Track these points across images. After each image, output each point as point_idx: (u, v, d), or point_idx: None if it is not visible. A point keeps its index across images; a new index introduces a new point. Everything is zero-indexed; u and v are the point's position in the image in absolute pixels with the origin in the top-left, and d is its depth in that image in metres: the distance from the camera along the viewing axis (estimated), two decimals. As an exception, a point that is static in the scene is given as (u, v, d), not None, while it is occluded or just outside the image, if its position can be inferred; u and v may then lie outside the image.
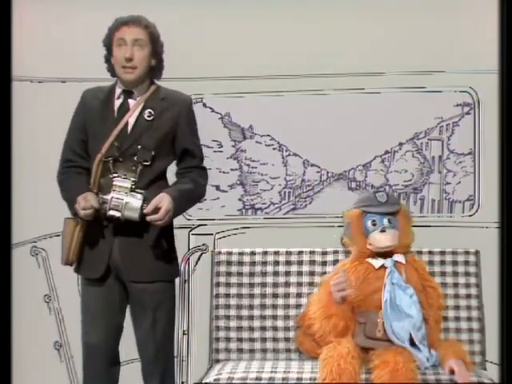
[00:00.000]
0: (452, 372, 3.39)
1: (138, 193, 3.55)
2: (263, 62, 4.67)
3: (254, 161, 4.62)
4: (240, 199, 4.65)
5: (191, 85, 4.62)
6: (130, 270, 3.60)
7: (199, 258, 4.69)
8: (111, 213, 3.54)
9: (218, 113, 4.65)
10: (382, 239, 3.54)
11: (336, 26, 4.63)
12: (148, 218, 3.51)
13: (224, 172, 4.62)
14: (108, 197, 3.54)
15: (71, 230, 3.61)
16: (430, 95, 4.63)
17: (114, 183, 3.56)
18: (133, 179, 3.56)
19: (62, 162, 3.74)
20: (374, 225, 3.55)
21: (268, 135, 4.62)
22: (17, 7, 4.31)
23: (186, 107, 3.71)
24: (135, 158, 3.59)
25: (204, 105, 4.64)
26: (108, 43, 3.67)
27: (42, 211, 4.67)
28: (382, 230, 3.53)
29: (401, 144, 4.60)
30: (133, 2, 4.42)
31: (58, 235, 4.46)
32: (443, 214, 4.64)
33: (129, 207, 3.53)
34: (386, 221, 3.54)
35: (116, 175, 3.57)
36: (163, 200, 3.52)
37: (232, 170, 4.61)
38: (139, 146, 3.59)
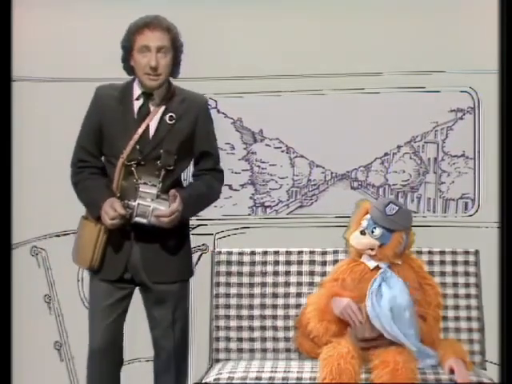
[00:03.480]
0: (452, 371, 3.39)
1: (163, 199, 3.53)
2: (263, 62, 4.69)
3: (263, 162, 4.81)
4: (251, 197, 4.80)
5: (192, 85, 4.63)
6: (151, 271, 3.60)
7: (199, 258, 4.70)
8: (137, 219, 3.50)
9: (230, 118, 4.78)
10: (353, 237, 3.56)
11: (342, 26, 4.66)
12: (154, 213, 3.50)
13: (236, 172, 4.78)
14: (134, 203, 3.49)
15: (94, 234, 3.56)
16: (429, 96, 4.66)
17: (140, 189, 3.51)
18: (159, 185, 3.54)
19: (75, 162, 3.68)
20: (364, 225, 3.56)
21: (277, 138, 4.78)
22: (17, 8, 4.32)
23: (204, 108, 3.72)
24: (158, 163, 3.57)
25: (218, 110, 4.77)
26: (128, 46, 3.57)
27: (42, 211, 4.67)
28: (361, 232, 3.54)
29: (399, 147, 4.74)
30: (133, 3, 4.43)
31: (58, 235, 4.50)
32: (443, 214, 4.67)
33: (156, 214, 3.49)
34: (372, 227, 3.54)
35: (142, 182, 3.53)
36: (175, 200, 3.51)
37: (243, 170, 4.80)
38: (161, 151, 3.57)
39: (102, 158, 3.68)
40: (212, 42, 4.68)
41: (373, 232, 3.53)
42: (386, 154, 4.72)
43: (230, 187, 4.74)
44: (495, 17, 4.05)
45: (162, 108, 3.61)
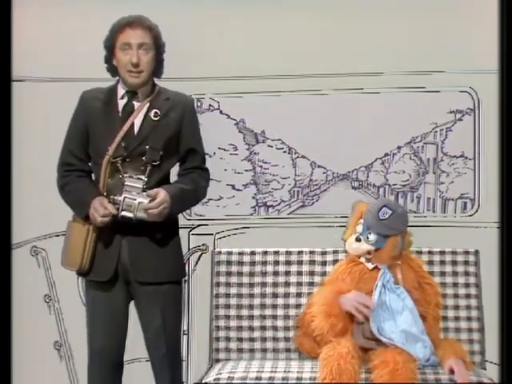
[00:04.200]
0: (451, 371, 3.39)
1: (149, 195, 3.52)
2: (263, 62, 4.69)
3: (266, 162, 4.84)
4: (253, 197, 4.83)
5: (192, 85, 4.64)
6: (140, 271, 3.58)
7: (199, 258, 4.70)
8: (123, 213, 3.49)
9: (233, 119, 4.81)
10: (348, 243, 3.59)
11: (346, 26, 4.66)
12: (140, 207, 3.49)
13: (239, 173, 4.82)
14: (120, 198, 3.49)
15: (83, 235, 3.56)
16: (429, 96, 4.66)
17: (125, 183, 3.52)
18: (144, 179, 3.54)
19: (62, 166, 3.69)
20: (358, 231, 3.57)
21: (279, 139, 4.81)
22: (17, 8, 4.32)
23: (189, 107, 3.72)
24: (144, 158, 3.57)
25: (221, 112, 4.80)
26: (110, 45, 3.61)
27: (42, 211, 4.67)
28: (357, 239, 3.55)
29: (399, 147, 4.76)
30: (133, 3, 4.43)
31: (58, 235, 4.49)
32: (443, 214, 4.68)
33: (141, 208, 3.49)
34: (367, 233, 3.53)
35: (127, 175, 3.53)
36: (159, 193, 3.51)
37: (246, 170, 4.83)
38: (147, 146, 3.57)
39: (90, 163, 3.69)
40: (212, 42, 4.68)
41: (368, 238, 3.54)
42: (386, 155, 4.74)
43: (233, 187, 4.78)
44: (495, 17, 4.05)
45: (147, 105, 3.62)
